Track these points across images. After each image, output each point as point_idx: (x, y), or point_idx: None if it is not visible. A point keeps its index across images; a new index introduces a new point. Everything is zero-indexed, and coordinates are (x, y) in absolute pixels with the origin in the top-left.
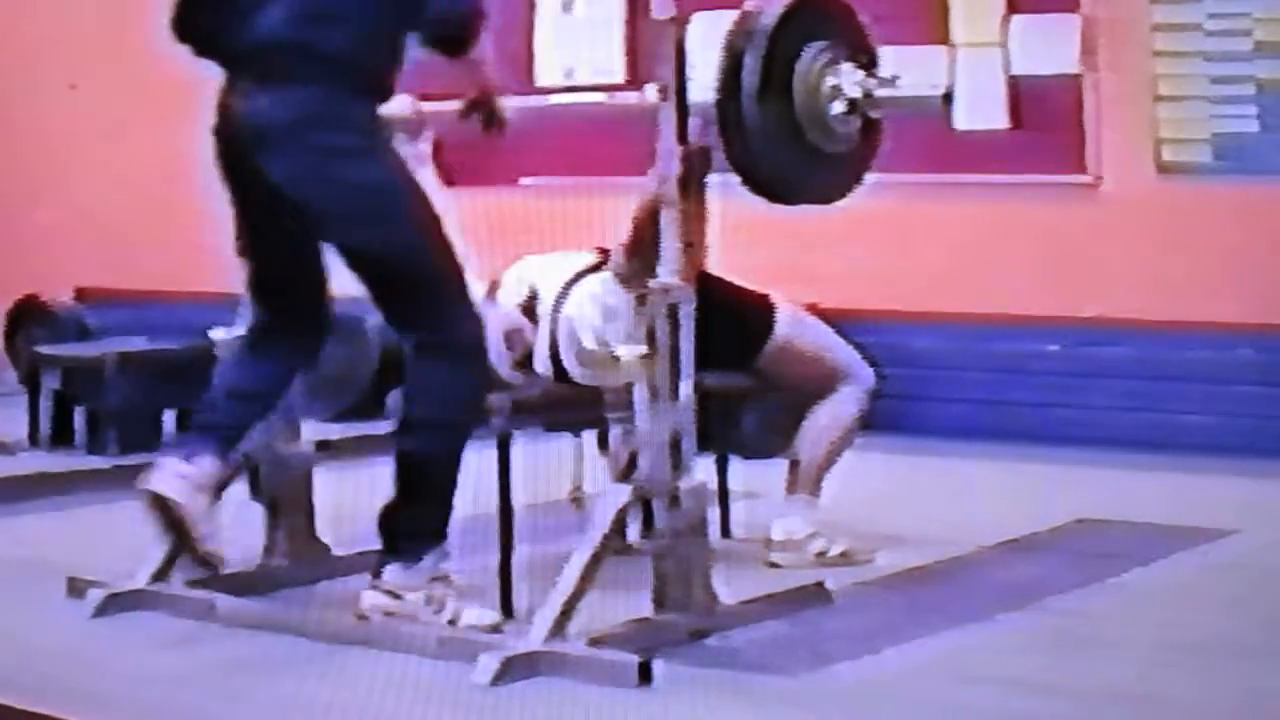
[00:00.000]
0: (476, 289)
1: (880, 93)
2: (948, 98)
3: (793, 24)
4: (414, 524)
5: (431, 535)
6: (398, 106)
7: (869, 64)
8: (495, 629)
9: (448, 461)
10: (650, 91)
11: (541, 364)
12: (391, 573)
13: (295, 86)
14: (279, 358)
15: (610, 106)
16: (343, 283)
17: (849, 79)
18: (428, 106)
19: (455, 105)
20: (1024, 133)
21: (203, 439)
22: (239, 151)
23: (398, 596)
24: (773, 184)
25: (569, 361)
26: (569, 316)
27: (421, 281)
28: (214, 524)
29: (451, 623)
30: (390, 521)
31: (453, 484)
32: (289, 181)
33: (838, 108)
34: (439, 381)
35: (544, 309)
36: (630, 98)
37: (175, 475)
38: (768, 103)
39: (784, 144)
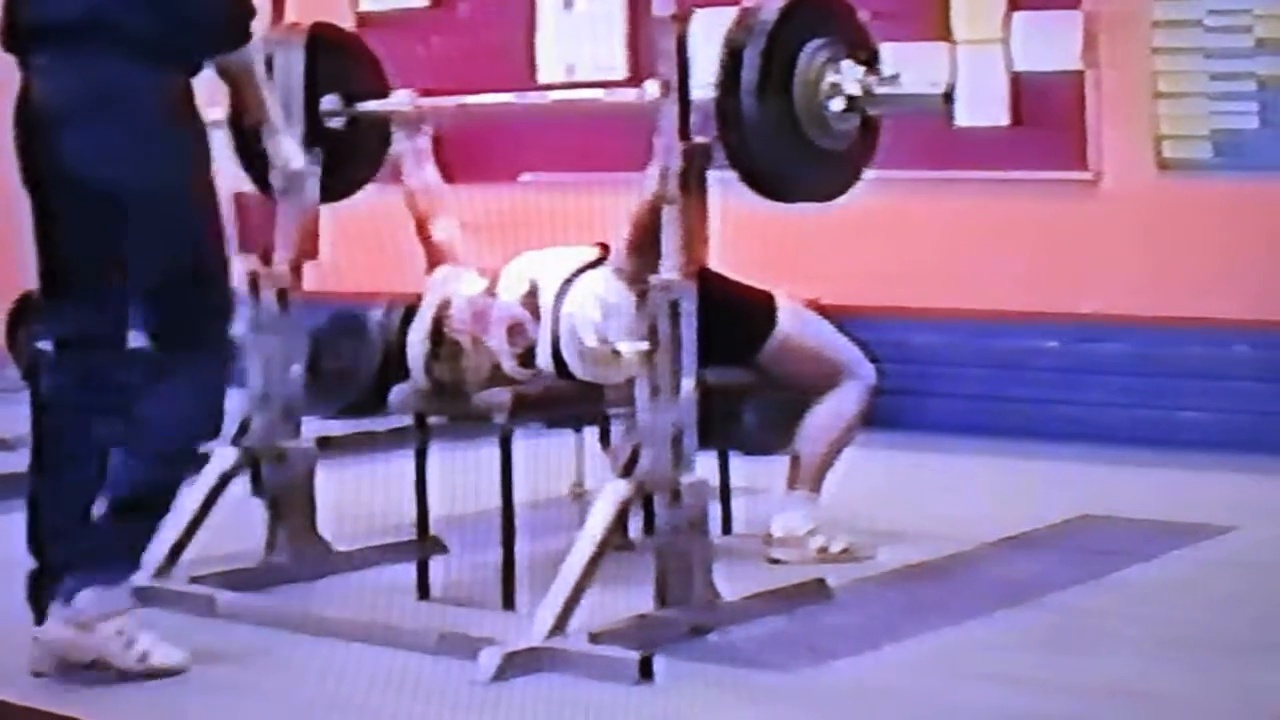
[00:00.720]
0: (474, 286)
1: (880, 90)
2: (948, 96)
3: (793, 21)
4: (124, 541)
5: (135, 557)
6: (397, 101)
7: (869, 61)
8: (180, 670)
9: (170, 479)
10: (650, 88)
11: (543, 360)
12: (89, 597)
13: (90, 61)
14: (94, 406)
15: (610, 103)
16: (340, 280)
17: (849, 76)
18: (426, 101)
19: (457, 100)
20: (1024, 129)
21: (71, 575)
22: (33, 133)
23: (88, 628)
24: (771, 181)
25: (571, 359)
26: (570, 314)
27: (189, 280)
28: (136, 638)
29: (141, 660)
30: (97, 538)
31: (169, 504)
32: (74, 158)
33: (837, 105)
34: (177, 394)
35: (545, 304)
36: (629, 94)
37: (62, 625)
38: (767, 99)
39: (783, 141)
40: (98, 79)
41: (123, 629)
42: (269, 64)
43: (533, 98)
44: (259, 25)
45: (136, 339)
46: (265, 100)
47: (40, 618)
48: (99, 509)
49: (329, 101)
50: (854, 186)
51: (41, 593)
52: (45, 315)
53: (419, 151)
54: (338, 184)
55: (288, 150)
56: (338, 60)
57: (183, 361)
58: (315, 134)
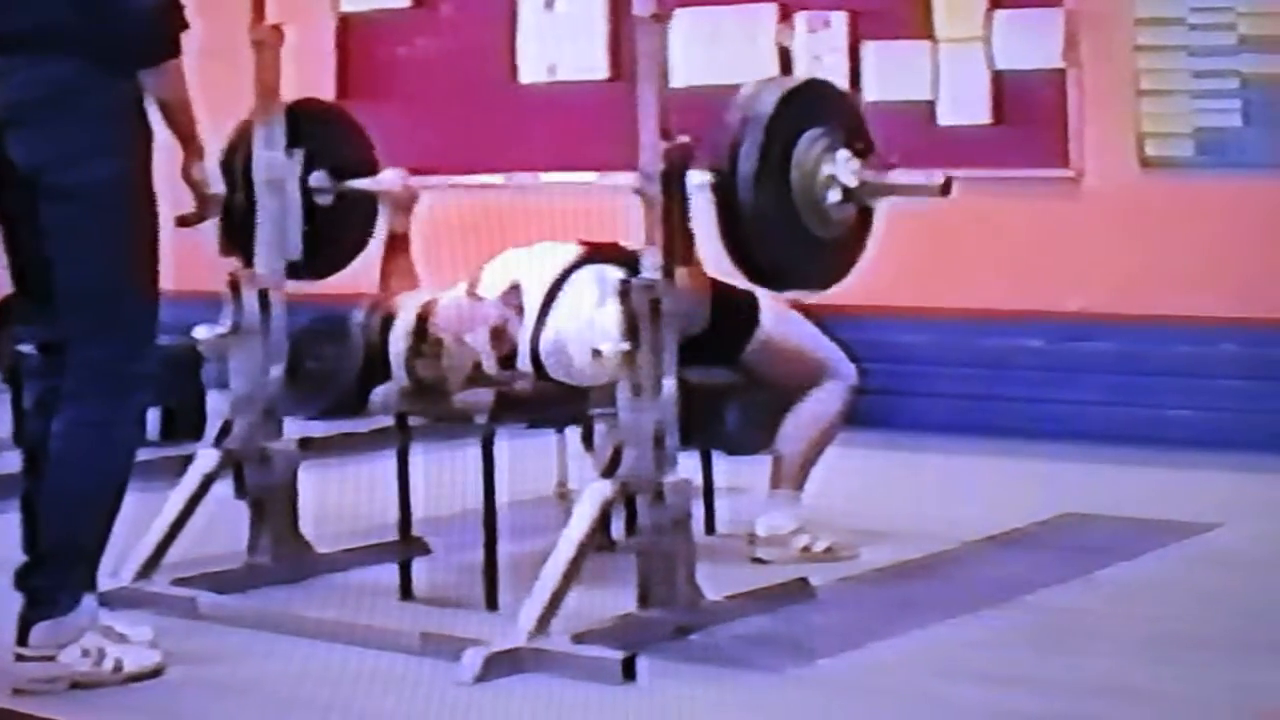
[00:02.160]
0: (457, 287)
1: (877, 181)
2: (945, 187)
3: (791, 108)
4: (61, 579)
5: (79, 586)
6: (388, 180)
7: (865, 152)
8: (157, 672)
9: (107, 505)
10: (642, 175)
11: (524, 362)
12: (40, 633)
13: (40, 64)
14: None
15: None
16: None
17: (845, 167)
18: (417, 180)
19: (449, 180)
20: (1007, 128)
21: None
22: None
23: (50, 658)
24: (768, 270)
25: (555, 372)
26: (559, 335)
27: (120, 295)
28: (106, 651)
29: (116, 670)
30: (36, 578)
31: (108, 528)
32: (26, 161)
33: (834, 196)
34: (95, 418)
35: (529, 306)
36: (623, 179)
37: (26, 665)
38: (765, 188)
39: (780, 231)
40: (49, 81)
41: (87, 649)
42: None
43: (523, 178)
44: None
45: None
46: (192, 117)
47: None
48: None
49: (317, 178)
50: (848, 274)
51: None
52: (25, 318)
53: (402, 234)
54: (325, 261)
55: (211, 171)
56: (324, 133)
57: (89, 387)
58: (304, 209)
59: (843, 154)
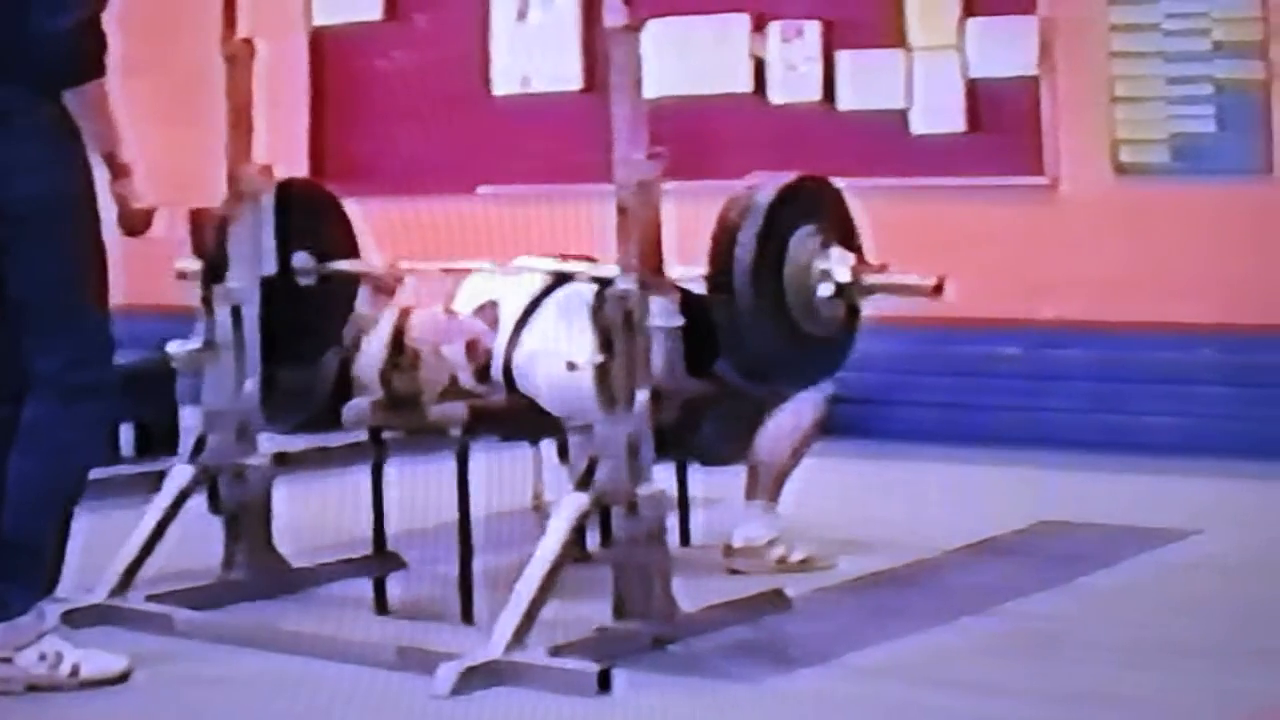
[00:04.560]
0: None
1: (869, 280)
2: (938, 287)
3: (788, 205)
4: (18, 579)
5: (36, 589)
6: (375, 265)
7: (857, 249)
8: (123, 677)
9: (57, 510)
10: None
11: (498, 374)
12: None
13: None
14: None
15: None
16: None
17: (839, 264)
18: (405, 264)
19: (435, 265)
20: (981, 135)
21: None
22: None
23: (7, 660)
24: (758, 364)
25: (529, 393)
26: (531, 354)
27: (65, 307)
28: (63, 655)
29: (73, 675)
30: None
31: (65, 533)
32: None
33: (825, 291)
34: (55, 424)
35: (504, 323)
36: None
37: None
38: (760, 281)
39: (772, 324)
40: None
41: (44, 652)
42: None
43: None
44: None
45: None
46: (116, 135)
47: None
48: None
49: (300, 259)
50: (833, 373)
51: None
52: None
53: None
54: (309, 344)
55: (136, 189)
56: (306, 217)
57: (49, 395)
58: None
59: (836, 250)
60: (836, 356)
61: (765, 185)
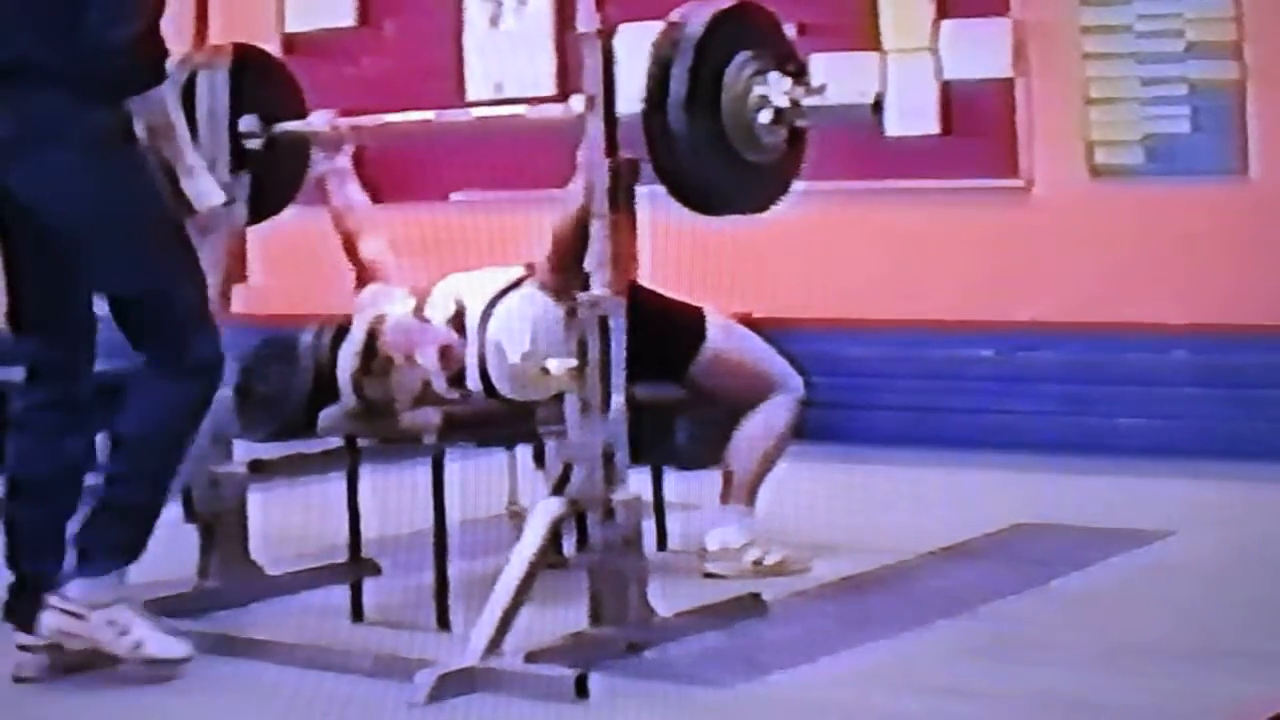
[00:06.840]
0: (403, 305)
1: (808, 102)
2: (877, 105)
3: (720, 33)
4: (109, 538)
5: (123, 552)
6: (316, 121)
7: (796, 73)
8: (182, 661)
9: (155, 480)
10: (576, 103)
11: (472, 381)
12: (77, 587)
13: (26, 97)
14: (64, 427)
15: (537, 120)
16: (269, 304)
17: (776, 88)
18: (345, 121)
19: (376, 119)
20: (955, 138)
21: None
22: None
23: (80, 616)
24: (699, 195)
25: (498, 379)
26: (494, 337)
27: (150, 298)
28: (130, 628)
29: (136, 649)
30: (85, 535)
31: (158, 505)
32: (23, 192)
33: (765, 117)
34: (159, 400)
35: (471, 326)
36: (555, 109)
37: (56, 614)
38: (695, 112)
39: (711, 154)
40: (32, 115)
41: (114, 619)
42: (192, 86)
43: (455, 114)
44: (180, 48)
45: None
46: (179, 139)
47: (22, 629)
48: (86, 510)
49: (247, 122)
50: (781, 199)
51: (21, 606)
52: (14, 345)
53: (340, 171)
54: (258, 206)
55: (203, 187)
56: (258, 81)
57: (156, 366)
58: (236, 156)
59: (774, 75)
60: (784, 181)
61: (696, 13)
